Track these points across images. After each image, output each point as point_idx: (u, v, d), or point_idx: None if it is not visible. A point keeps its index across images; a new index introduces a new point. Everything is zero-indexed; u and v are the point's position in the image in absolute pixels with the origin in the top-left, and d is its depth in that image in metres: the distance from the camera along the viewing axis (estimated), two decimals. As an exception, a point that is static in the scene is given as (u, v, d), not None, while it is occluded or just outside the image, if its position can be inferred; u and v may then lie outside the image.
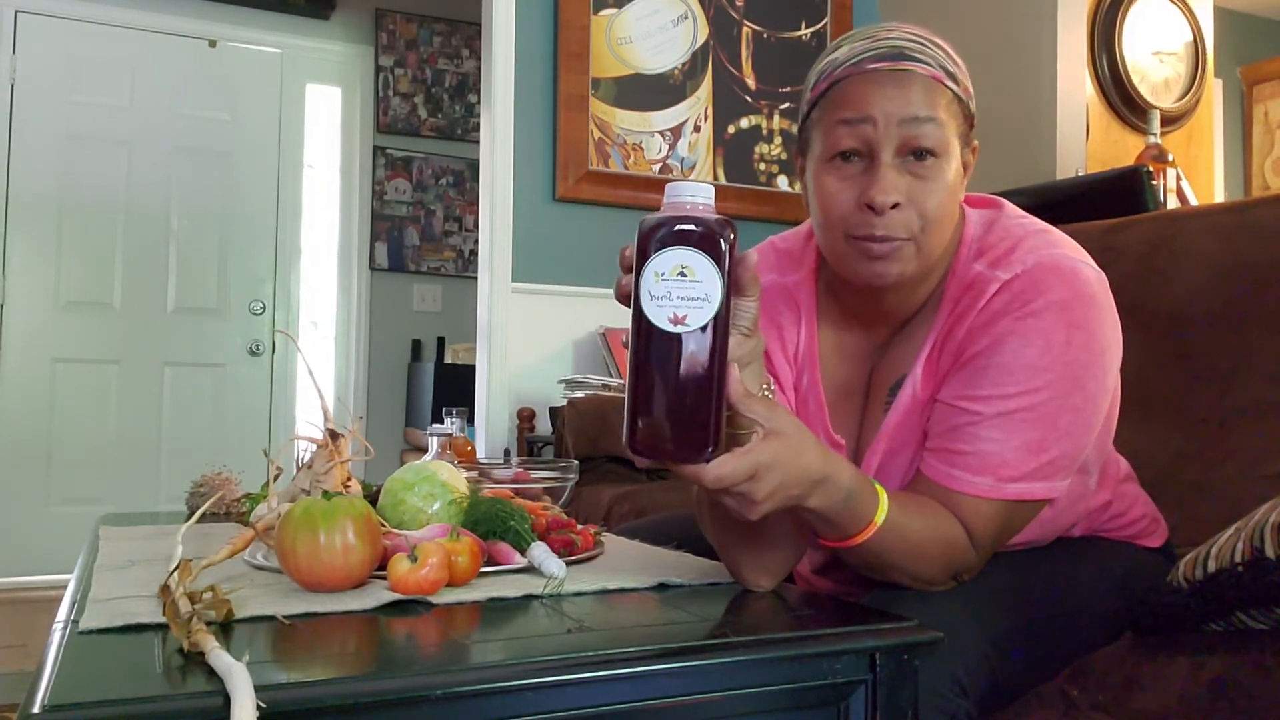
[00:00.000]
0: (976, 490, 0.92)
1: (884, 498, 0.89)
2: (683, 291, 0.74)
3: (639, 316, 0.75)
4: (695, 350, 0.74)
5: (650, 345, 0.74)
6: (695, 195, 0.76)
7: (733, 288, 0.76)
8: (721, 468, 0.77)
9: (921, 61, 0.95)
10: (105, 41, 4.18)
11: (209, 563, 0.88)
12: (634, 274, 0.75)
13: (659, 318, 0.74)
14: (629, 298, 0.76)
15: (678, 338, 0.74)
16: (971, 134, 1.01)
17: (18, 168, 4.03)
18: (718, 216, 0.76)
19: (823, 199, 0.99)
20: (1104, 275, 0.98)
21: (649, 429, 0.75)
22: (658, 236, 0.75)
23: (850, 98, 0.96)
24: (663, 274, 0.74)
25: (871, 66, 0.96)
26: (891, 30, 0.98)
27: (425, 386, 4.32)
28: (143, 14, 4.23)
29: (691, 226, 0.74)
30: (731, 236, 0.75)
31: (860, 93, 0.96)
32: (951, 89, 0.96)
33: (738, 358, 0.79)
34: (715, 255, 0.74)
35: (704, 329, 0.74)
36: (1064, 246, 0.97)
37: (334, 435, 1.13)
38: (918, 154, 0.94)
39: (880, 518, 0.88)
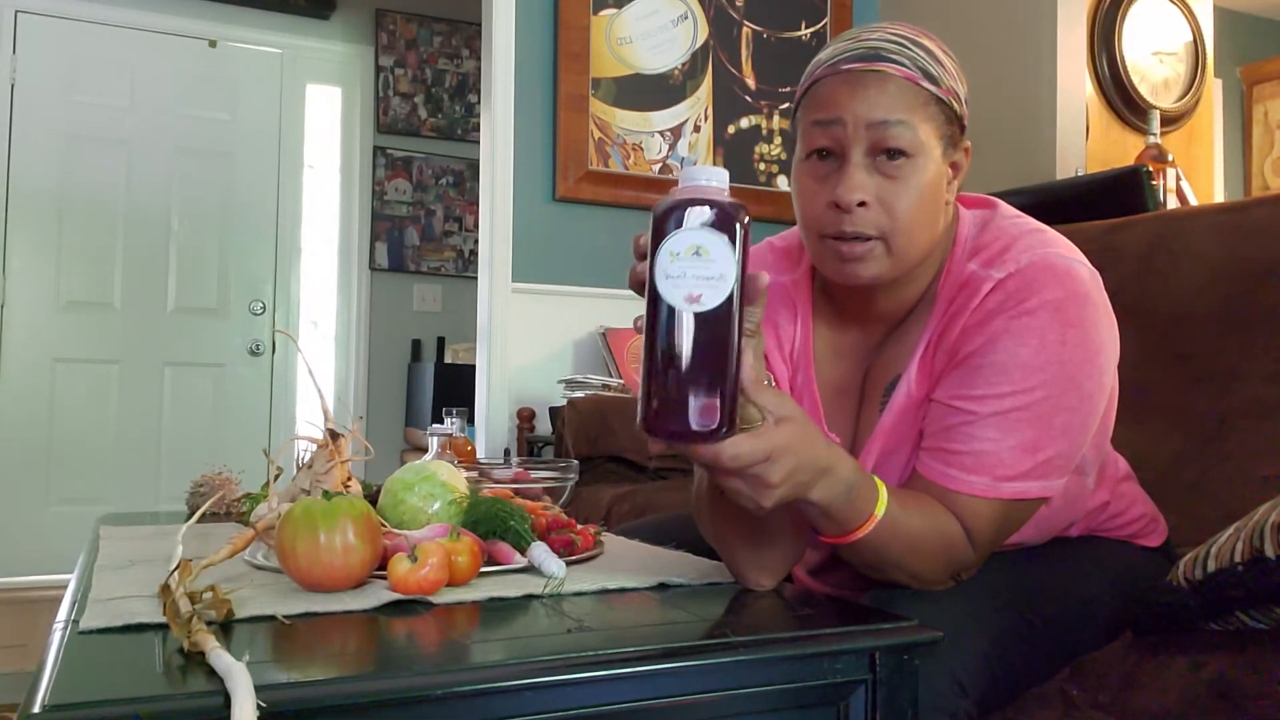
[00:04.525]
0: (972, 489, 0.92)
1: (883, 491, 0.89)
2: (698, 270, 0.74)
3: (654, 297, 0.75)
4: (711, 328, 0.74)
5: (666, 324, 0.75)
6: (710, 178, 0.77)
7: (745, 283, 0.76)
8: (738, 446, 0.77)
9: (896, 63, 0.95)
10: (105, 41, 4.18)
11: (209, 563, 0.88)
12: (649, 255, 0.75)
13: (674, 296, 0.74)
14: (642, 285, 0.77)
15: (694, 316, 0.74)
16: (962, 135, 1.01)
17: (18, 168, 4.03)
18: (732, 199, 0.76)
19: (799, 198, 1.01)
20: (1098, 274, 0.98)
21: (664, 408, 0.75)
22: (673, 217, 0.75)
23: (824, 99, 0.97)
24: (678, 253, 0.74)
25: (846, 68, 0.97)
26: (875, 31, 0.99)
27: (425, 386, 4.32)
28: (143, 14, 4.23)
29: (706, 207, 0.75)
30: (746, 219, 0.76)
31: (832, 94, 0.97)
32: (929, 90, 0.96)
33: None
34: (730, 235, 0.75)
35: (719, 307, 0.74)
36: (1058, 246, 0.97)
37: (334, 435, 1.13)
38: (889, 154, 0.95)
39: (880, 510, 0.88)
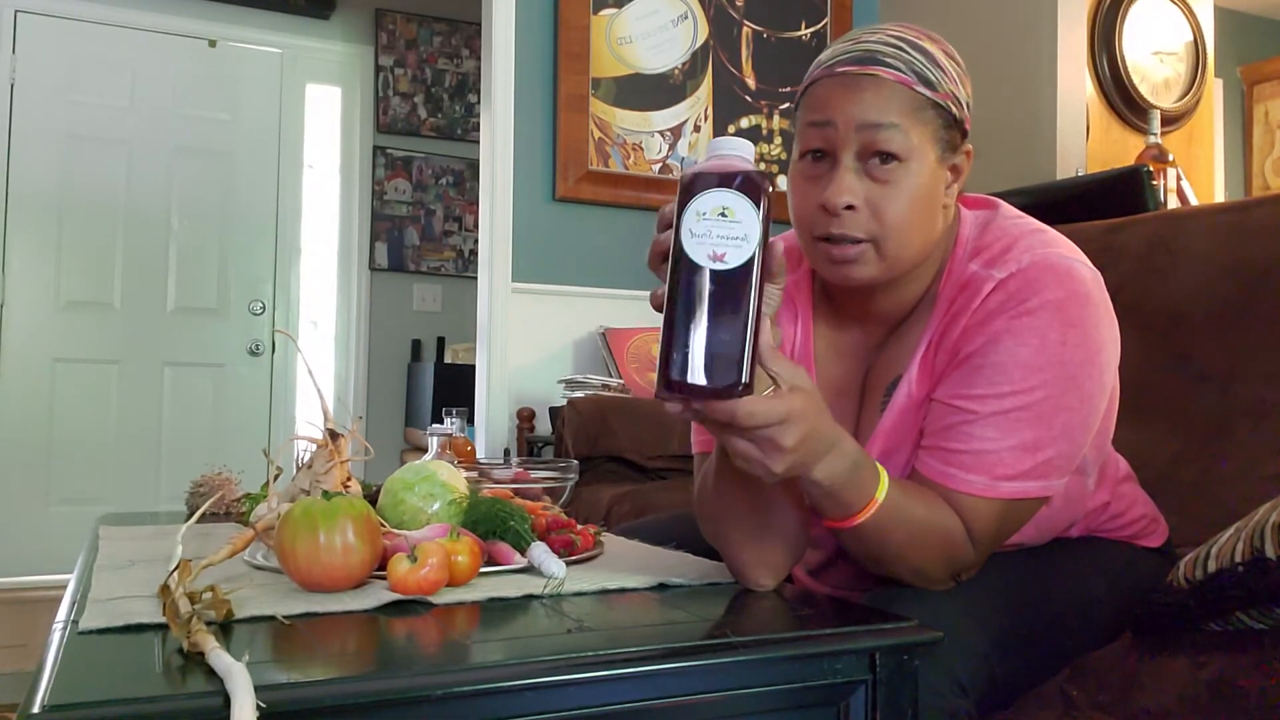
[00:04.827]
0: (972, 489, 0.92)
1: (884, 475, 0.90)
2: (723, 230, 0.76)
3: (679, 256, 0.77)
4: (733, 287, 0.76)
5: (689, 281, 0.76)
6: (737, 148, 0.80)
7: (765, 254, 0.77)
8: (755, 405, 0.78)
9: (891, 66, 0.95)
10: (105, 41, 4.18)
11: (209, 563, 0.88)
12: (675, 218, 0.77)
13: (699, 254, 0.76)
14: (663, 257, 0.79)
15: (716, 274, 0.76)
16: (963, 139, 1.00)
17: (18, 168, 4.03)
18: (757, 168, 0.79)
19: (792, 197, 1.01)
20: (1099, 274, 0.98)
21: (684, 365, 0.76)
22: (701, 180, 0.78)
23: (818, 100, 0.98)
24: (704, 214, 0.77)
25: (841, 70, 0.97)
26: (875, 33, 0.99)
27: (425, 386, 4.32)
28: (143, 14, 4.23)
29: (733, 172, 0.77)
30: (770, 188, 0.78)
31: (826, 96, 0.97)
32: (925, 95, 0.96)
33: None
34: (755, 199, 0.77)
35: (742, 267, 0.76)
36: (1059, 245, 0.97)
37: (334, 435, 1.12)
38: (881, 157, 0.95)
39: (881, 494, 0.88)
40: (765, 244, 0.76)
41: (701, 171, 0.78)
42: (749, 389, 0.76)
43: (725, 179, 0.77)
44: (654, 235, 0.82)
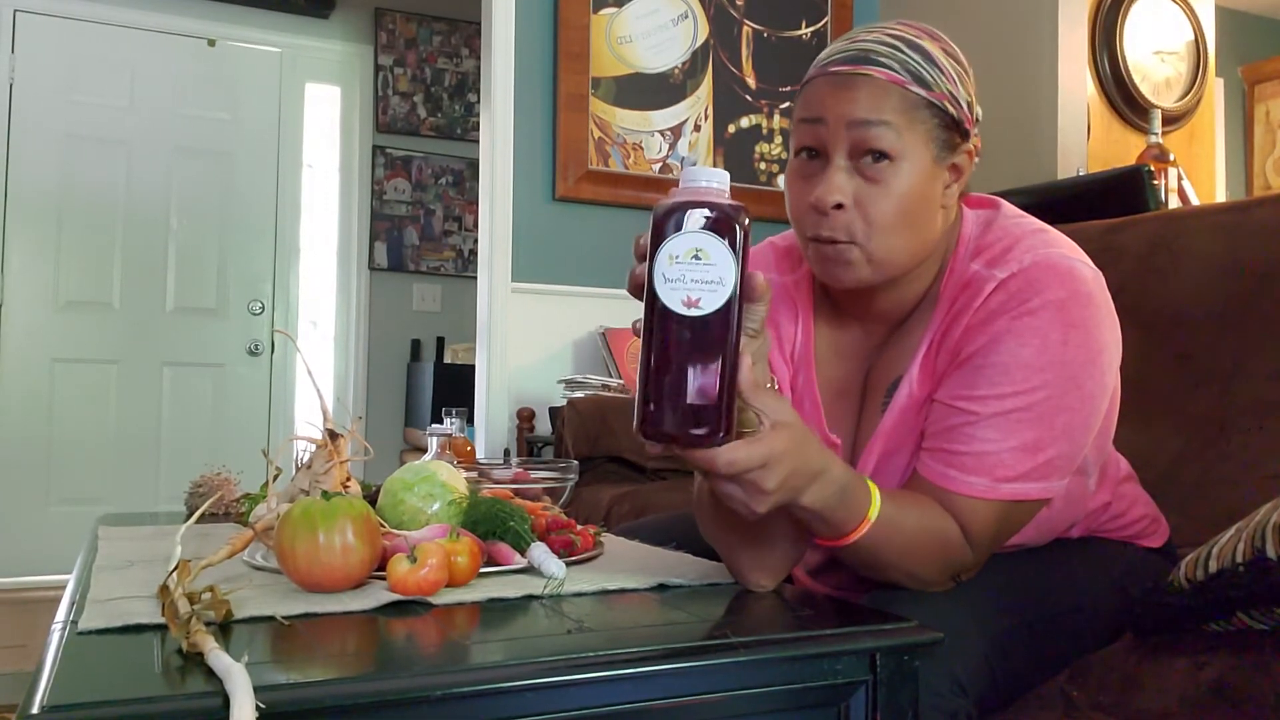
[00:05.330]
0: (972, 491, 0.92)
1: (876, 493, 0.89)
2: (697, 274, 0.74)
3: (652, 300, 0.74)
4: (708, 333, 0.74)
5: (664, 328, 0.74)
6: (711, 180, 0.76)
7: (745, 283, 0.75)
8: (734, 452, 0.76)
9: (884, 66, 0.95)
10: (105, 41, 4.18)
11: (208, 563, 0.88)
12: (648, 257, 0.75)
13: (672, 300, 0.74)
14: (642, 288, 0.76)
15: (691, 320, 0.74)
16: (963, 140, 1.00)
17: (17, 168, 4.03)
18: (732, 202, 0.76)
19: (787, 196, 1.01)
20: (1101, 274, 0.97)
21: (660, 413, 0.74)
22: (673, 219, 0.74)
23: (811, 98, 0.98)
24: (677, 257, 0.74)
25: (834, 70, 0.97)
26: (873, 32, 0.98)
27: (425, 386, 4.32)
28: (143, 14, 4.23)
29: (706, 210, 0.74)
30: (746, 221, 0.75)
31: (819, 94, 0.97)
32: (919, 94, 0.95)
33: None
34: (730, 239, 0.74)
35: (717, 312, 0.74)
36: (1061, 245, 0.97)
37: (333, 435, 1.12)
38: (873, 156, 0.95)
39: (873, 513, 0.88)
40: (743, 280, 0.74)
41: (673, 207, 0.75)
42: (728, 435, 0.75)
43: (697, 218, 0.74)
44: (633, 262, 0.79)
